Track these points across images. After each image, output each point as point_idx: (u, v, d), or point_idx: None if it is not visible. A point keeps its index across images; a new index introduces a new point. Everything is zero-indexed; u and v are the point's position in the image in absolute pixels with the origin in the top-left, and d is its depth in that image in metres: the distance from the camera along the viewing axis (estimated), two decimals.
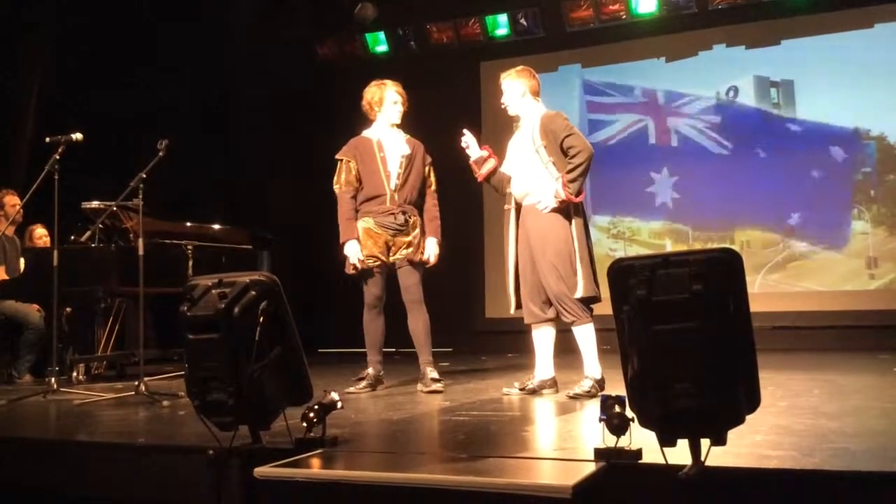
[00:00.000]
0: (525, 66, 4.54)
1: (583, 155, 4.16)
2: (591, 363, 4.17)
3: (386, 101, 4.81)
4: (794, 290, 7.65)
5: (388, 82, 4.87)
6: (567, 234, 4.20)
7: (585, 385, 4.09)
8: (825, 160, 7.64)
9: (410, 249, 4.70)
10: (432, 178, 4.92)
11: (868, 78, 7.45)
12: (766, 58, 7.87)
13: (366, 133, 4.87)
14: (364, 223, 4.71)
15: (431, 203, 4.88)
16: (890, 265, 7.38)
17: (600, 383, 4.11)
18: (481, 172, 4.48)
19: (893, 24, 7.46)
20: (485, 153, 4.48)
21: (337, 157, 4.81)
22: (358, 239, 4.67)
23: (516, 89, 4.42)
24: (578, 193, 4.17)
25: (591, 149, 4.24)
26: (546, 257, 4.20)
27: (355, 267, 4.68)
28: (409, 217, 4.74)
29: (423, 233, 4.79)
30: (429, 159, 4.92)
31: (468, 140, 4.48)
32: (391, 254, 4.70)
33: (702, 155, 8.06)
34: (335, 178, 4.79)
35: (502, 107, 4.49)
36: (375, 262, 4.67)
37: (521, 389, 4.32)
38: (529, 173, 4.31)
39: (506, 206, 4.50)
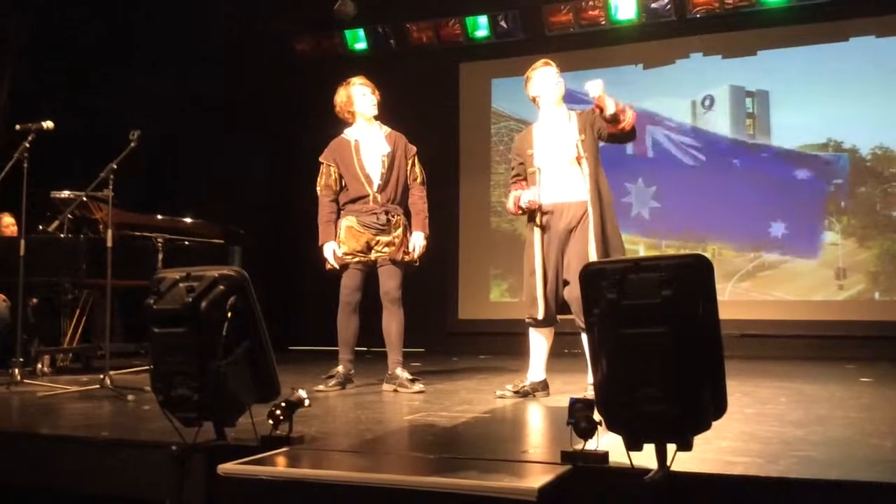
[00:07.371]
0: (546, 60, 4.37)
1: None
2: None
3: (355, 97, 4.72)
4: (764, 299, 7.72)
5: (352, 79, 4.76)
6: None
7: (590, 393, 4.01)
8: (797, 171, 7.72)
9: (392, 248, 4.65)
10: (417, 171, 4.80)
11: (842, 90, 7.53)
12: (743, 68, 7.92)
13: (345, 133, 4.81)
14: (347, 221, 4.68)
15: (418, 196, 4.77)
16: (859, 276, 7.46)
17: None
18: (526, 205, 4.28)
19: (867, 37, 7.54)
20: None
21: (319, 159, 4.78)
22: (337, 240, 4.65)
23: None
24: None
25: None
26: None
27: (334, 267, 4.67)
28: (393, 217, 4.68)
29: (406, 231, 4.73)
30: (412, 151, 4.81)
31: (524, 202, 4.26)
32: (372, 251, 4.66)
33: (676, 165, 8.09)
34: (318, 179, 4.77)
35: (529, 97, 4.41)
36: (354, 258, 4.64)
37: (514, 392, 4.22)
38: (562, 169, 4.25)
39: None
